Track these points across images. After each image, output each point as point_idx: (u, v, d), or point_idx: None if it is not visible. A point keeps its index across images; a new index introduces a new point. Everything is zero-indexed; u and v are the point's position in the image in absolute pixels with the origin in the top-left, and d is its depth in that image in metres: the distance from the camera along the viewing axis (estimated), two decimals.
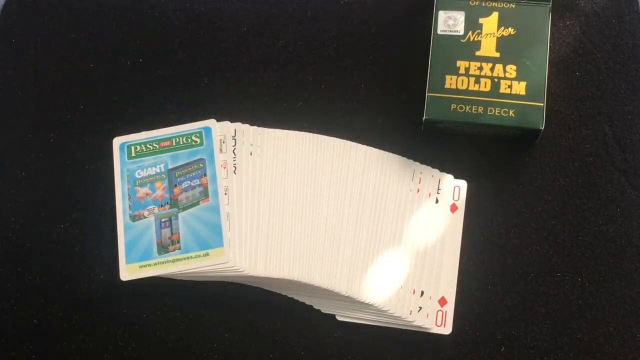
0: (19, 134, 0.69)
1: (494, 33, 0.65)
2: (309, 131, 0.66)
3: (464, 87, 0.64)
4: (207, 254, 0.61)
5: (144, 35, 0.71)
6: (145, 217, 0.63)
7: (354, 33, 0.71)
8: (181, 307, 0.64)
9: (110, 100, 0.70)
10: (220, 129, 0.65)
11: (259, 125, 0.66)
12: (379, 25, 0.71)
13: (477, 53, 0.65)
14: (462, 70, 0.64)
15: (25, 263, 0.65)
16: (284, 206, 0.63)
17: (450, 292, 0.63)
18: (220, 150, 0.65)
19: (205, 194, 0.63)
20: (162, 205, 0.63)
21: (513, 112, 0.63)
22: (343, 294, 0.61)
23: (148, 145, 0.65)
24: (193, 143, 0.65)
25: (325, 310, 0.63)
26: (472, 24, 0.65)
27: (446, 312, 0.62)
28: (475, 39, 0.65)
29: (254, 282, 0.63)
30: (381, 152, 0.66)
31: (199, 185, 0.63)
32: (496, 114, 0.63)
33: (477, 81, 0.64)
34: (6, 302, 0.65)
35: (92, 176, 0.67)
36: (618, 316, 0.62)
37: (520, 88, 0.63)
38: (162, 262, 0.61)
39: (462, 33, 0.65)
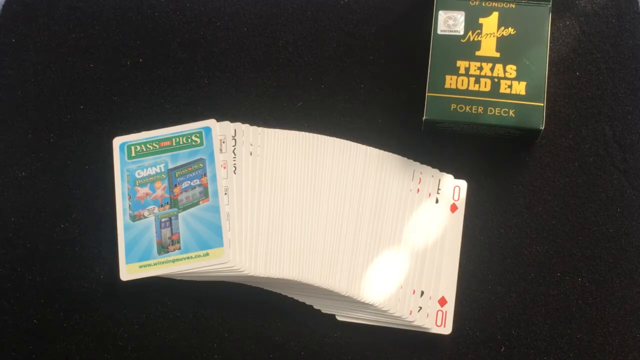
0: (19, 134, 0.69)
1: (494, 33, 0.65)
2: (309, 131, 0.66)
3: (464, 87, 0.64)
4: (207, 254, 0.61)
5: (144, 35, 0.71)
6: (145, 217, 0.63)
7: (354, 33, 0.71)
8: (181, 307, 0.64)
9: (110, 100, 0.70)
10: (220, 129, 0.65)
11: (259, 125, 0.66)
12: (379, 25, 0.71)
13: (477, 53, 0.65)
14: (462, 70, 0.64)
15: (25, 263, 0.65)
16: (284, 206, 0.63)
17: (450, 292, 0.63)
18: (220, 150, 0.65)
19: (205, 194, 0.63)
20: (162, 205, 0.63)
21: (513, 112, 0.63)
22: (343, 294, 0.61)
23: (148, 145, 0.65)
24: (193, 143, 0.65)
25: (325, 310, 0.63)
26: (472, 24, 0.65)
27: (446, 312, 0.62)
28: (475, 39, 0.65)
29: (254, 282, 0.63)
30: (381, 152, 0.66)
31: (199, 185, 0.63)
32: (496, 114, 0.63)
33: (477, 81, 0.64)
34: (6, 302, 0.65)
35: (92, 176, 0.67)
36: (618, 316, 0.63)
37: (520, 88, 0.63)
38: (162, 262, 0.61)
39: (462, 33, 0.65)
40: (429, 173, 0.66)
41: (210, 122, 0.66)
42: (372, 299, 0.61)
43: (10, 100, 0.70)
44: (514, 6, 0.65)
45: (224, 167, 0.64)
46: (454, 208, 0.65)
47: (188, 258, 0.61)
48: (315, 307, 0.63)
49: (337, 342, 0.63)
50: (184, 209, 0.63)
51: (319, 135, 0.66)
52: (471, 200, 0.65)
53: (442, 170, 0.66)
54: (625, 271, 0.63)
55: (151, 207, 0.63)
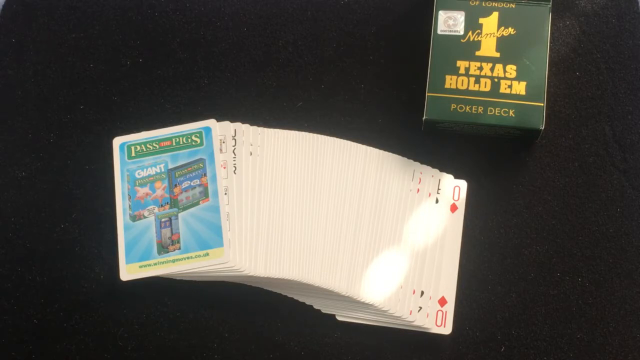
0: (19, 134, 0.69)
1: (494, 33, 0.65)
2: (309, 131, 0.66)
3: (464, 87, 0.64)
4: (207, 254, 0.61)
5: (144, 35, 0.71)
6: (145, 217, 0.63)
7: (354, 33, 0.71)
8: (181, 307, 0.64)
9: (110, 100, 0.70)
10: (220, 129, 0.65)
11: (259, 125, 0.66)
12: (379, 25, 0.71)
13: (477, 53, 0.65)
14: (462, 70, 0.64)
15: (25, 263, 0.65)
16: (284, 206, 0.63)
17: (450, 292, 0.63)
18: (220, 150, 0.65)
19: (205, 194, 0.63)
20: (162, 205, 0.63)
21: (513, 112, 0.63)
22: (343, 294, 0.61)
23: (148, 145, 0.65)
24: (193, 143, 0.65)
25: (325, 310, 0.63)
26: (472, 24, 0.65)
27: (446, 312, 0.62)
28: (475, 39, 0.65)
29: (254, 282, 0.63)
30: (381, 152, 0.66)
31: (199, 185, 0.63)
32: (496, 114, 0.63)
33: (477, 81, 0.64)
34: (6, 302, 0.65)
35: (92, 176, 0.67)
36: (618, 316, 0.63)
37: (520, 88, 0.63)
38: (162, 262, 0.61)
39: (462, 33, 0.65)
40: (429, 173, 0.66)
41: (210, 122, 0.66)
42: (372, 299, 0.61)
43: (10, 100, 0.70)
44: (514, 6, 0.65)
45: (224, 167, 0.64)
46: (454, 208, 0.65)
47: (188, 258, 0.61)
48: (315, 307, 0.63)
49: (337, 342, 0.63)
50: (184, 209, 0.63)
51: (319, 135, 0.66)
52: (471, 200, 0.65)
53: (442, 170, 0.66)
54: (625, 271, 0.63)
55: (151, 207, 0.63)
